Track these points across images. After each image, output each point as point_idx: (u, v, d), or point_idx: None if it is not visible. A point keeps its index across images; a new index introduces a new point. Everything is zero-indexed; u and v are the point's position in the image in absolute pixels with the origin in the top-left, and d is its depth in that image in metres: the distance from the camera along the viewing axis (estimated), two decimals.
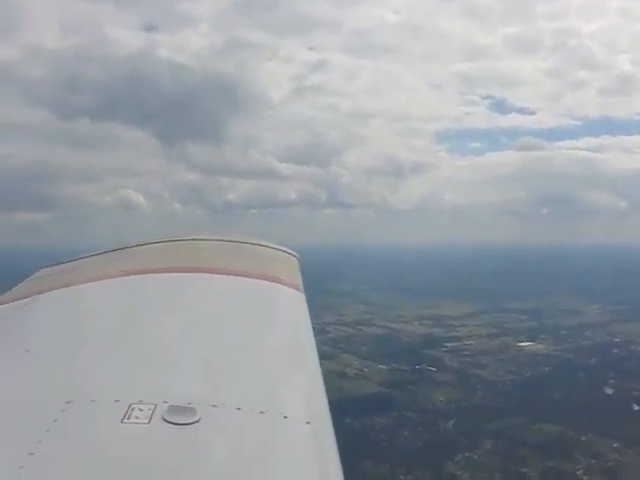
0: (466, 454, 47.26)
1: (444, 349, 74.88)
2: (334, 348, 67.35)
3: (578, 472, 44.65)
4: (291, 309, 4.63)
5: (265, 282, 4.84)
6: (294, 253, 6.13)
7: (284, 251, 6.06)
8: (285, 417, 2.83)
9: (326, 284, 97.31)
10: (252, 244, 5.99)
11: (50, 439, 2.51)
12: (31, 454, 2.39)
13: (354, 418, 47.96)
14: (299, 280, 5.27)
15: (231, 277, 4.79)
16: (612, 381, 61.52)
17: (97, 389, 2.94)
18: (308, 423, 2.84)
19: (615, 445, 47.75)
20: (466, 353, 73.56)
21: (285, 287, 4.86)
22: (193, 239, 6.00)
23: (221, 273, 4.84)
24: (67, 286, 4.68)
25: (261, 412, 2.81)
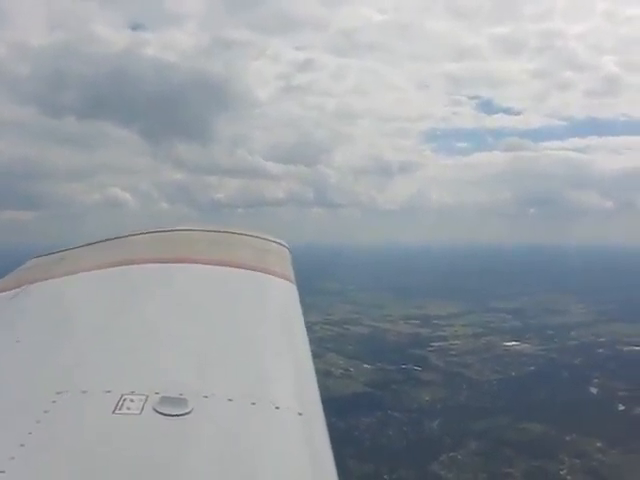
0: (451, 454, 47.35)
1: (430, 349, 74.93)
2: (320, 347, 67.32)
3: (562, 472, 44.80)
4: (283, 300, 4.62)
5: (256, 273, 4.83)
6: (285, 244, 6.10)
7: (275, 242, 6.04)
8: (277, 408, 2.81)
9: (314, 283, 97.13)
10: (243, 235, 5.95)
11: (41, 430, 2.49)
12: (22, 445, 2.37)
13: (339, 417, 47.92)
14: (290, 271, 5.25)
15: (222, 267, 4.77)
16: (597, 381, 61.85)
17: (88, 380, 2.89)
18: (300, 414, 2.83)
19: (599, 445, 47.94)
20: (452, 353, 73.65)
21: (276, 278, 4.85)
22: (184, 229, 6.01)
23: (212, 263, 4.82)
24: (57, 277, 4.65)
25: (253, 403, 2.79)
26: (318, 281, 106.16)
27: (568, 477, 44.19)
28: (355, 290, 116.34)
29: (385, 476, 44.69)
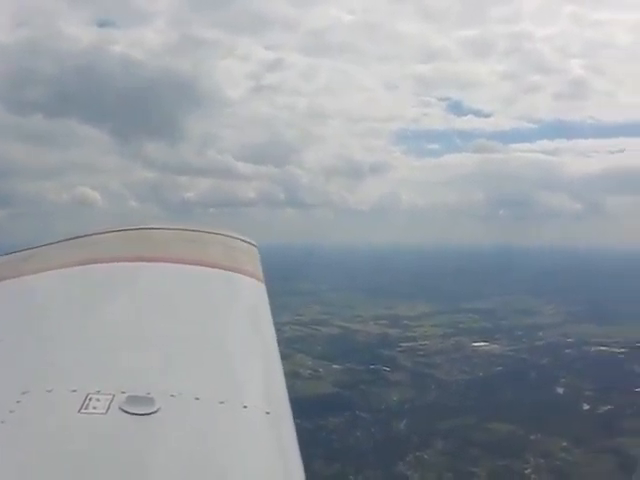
0: (417, 454, 47.55)
1: (399, 349, 75.17)
2: (289, 348, 67.19)
3: (527, 471, 45.23)
4: (251, 299, 4.62)
5: (225, 271, 4.82)
6: (254, 242, 6.07)
7: (244, 240, 6.00)
8: (245, 407, 2.80)
9: (285, 284, 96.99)
10: (212, 233, 5.91)
11: (6, 430, 2.45)
12: None
13: (307, 418, 47.81)
14: (259, 270, 5.23)
15: (190, 266, 4.76)
16: (563, 380, 62.46)
17: (54, 379, 2.83)
18: (268, 413, 2.83)
19: (564, 444, 48.48)
20: (421, 353, 73.99)
21: (245, 277, 4.83)
22: (153, 228, 5.94)
23: (180, 262, 4.80)
24: (23, 275, 4.59)
25: (220, 402, 2.77)
26: (289, 281, 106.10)
27: (532, 476, 44.64)
28: (326, 290, 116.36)
29: (351, 476, 44.73)
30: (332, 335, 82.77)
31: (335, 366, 67.60)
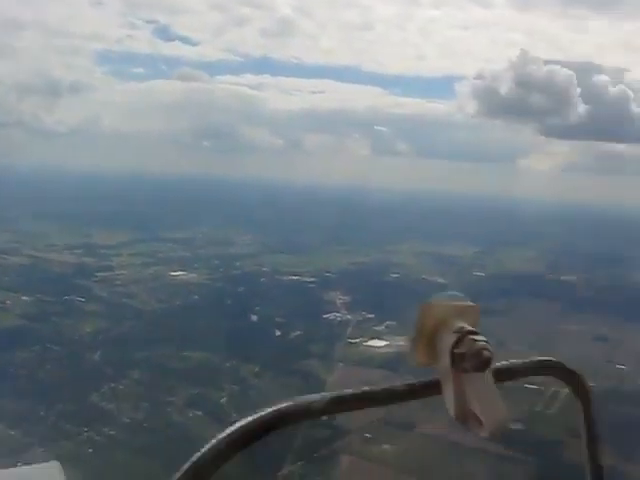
0: (112, 385, 46.84)
1: (95, 279, 72.95)
2: None
3: (222, 400, 46.53)
4: None
5: None
6: None
7: None
8: None
9: None
10: None
11: None
12: None
13: None
14: None
15: None
16: (258, 308, 64.91)
17: None
18: None
19: (256, 370, 50.63)
20: (117, 283, 72.47)
21: None
22: None
23: None
24: None
25: None
26: None
27: (226, 402, 46.05)
28: (16, 217, 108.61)
29: (42, 412, 42.73)
30: (21, 265, 77.50)
31: (24, 297, 63.73)
